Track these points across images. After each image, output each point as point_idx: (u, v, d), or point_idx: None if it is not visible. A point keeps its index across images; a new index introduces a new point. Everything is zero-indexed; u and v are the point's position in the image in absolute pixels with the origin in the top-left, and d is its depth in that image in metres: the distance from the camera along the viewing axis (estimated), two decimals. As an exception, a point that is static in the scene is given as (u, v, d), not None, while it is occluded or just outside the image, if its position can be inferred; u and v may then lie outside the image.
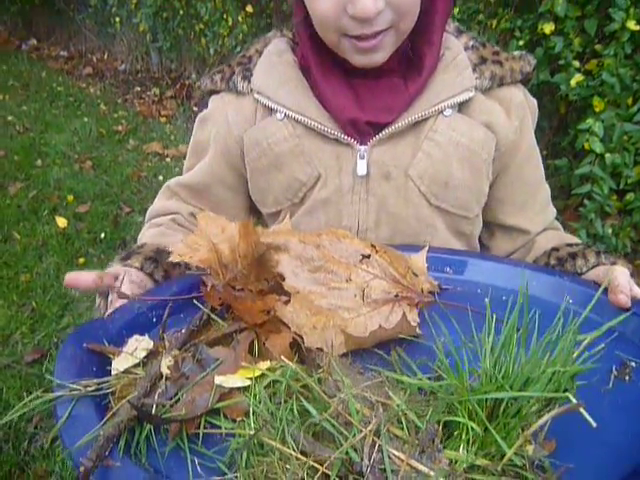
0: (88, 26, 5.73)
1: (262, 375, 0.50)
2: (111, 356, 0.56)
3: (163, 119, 4.39)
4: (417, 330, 0.62)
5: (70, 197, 3.21)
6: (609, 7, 1.93)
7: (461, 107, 0.83)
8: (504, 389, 0.43)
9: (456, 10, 2.25)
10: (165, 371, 0.52)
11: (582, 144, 2.02)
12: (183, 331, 0.58)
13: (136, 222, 3.01)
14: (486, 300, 0.56)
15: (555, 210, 0.96)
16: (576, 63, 2.01)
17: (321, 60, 0.82)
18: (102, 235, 2.88)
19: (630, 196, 2.09)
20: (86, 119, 4.37)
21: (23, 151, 3.77)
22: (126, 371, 0.54)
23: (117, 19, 4.78)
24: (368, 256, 0.68)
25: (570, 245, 0.84)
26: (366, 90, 0.81)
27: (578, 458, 0.47)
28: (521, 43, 2.16)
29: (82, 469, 0.44)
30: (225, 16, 3.73)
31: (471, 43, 0.86)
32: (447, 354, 0.52)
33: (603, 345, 0.55)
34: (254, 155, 0.87)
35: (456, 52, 0.83)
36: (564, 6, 2.00)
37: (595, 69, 2.05)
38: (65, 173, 3.52)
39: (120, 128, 4.20)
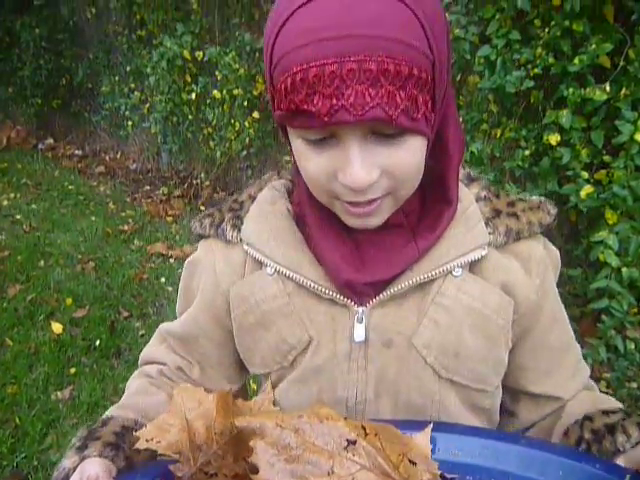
0: (103, 127, 5.90)
1: None
2: None
3: (169, 218, 4.39)
4: None
5: (69, 300, 3.13)
6: (615, 118, 1.91)
7: (472, 266, 0.73)
8: None
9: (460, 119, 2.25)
10: None
11: (597, 256, 1.93)
12: None
13: (133, 327, 2.91)
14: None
15: (588, 369, 0.83)
16: (585, 174, 1.96)
17: (318, 210, 0.73)
18: (97, 342, 2.77)
19: (651, 310, 1.98)
20: (94, 218, 4.38)
21: (27, 251, 3.74)
22: None
23: (130, 122, 4.91)
24: (354, 442, 0.57)
25: (606, 413, 0.72)
26: (367, 246, 0.72)
27: None
28: (527, 153, 2.13)
29: None
30: (232, 121, 3.81)
31: (483, 194, 0.77)
32: None
33: None
34: (240, 311, 0.78)
35: (467, 204, 0.74)
36: (569, 118, 1.98)
37: (605, 179, 2.00)
38: (66, 275, 3.46)
39: (126, 227, 4.19)
